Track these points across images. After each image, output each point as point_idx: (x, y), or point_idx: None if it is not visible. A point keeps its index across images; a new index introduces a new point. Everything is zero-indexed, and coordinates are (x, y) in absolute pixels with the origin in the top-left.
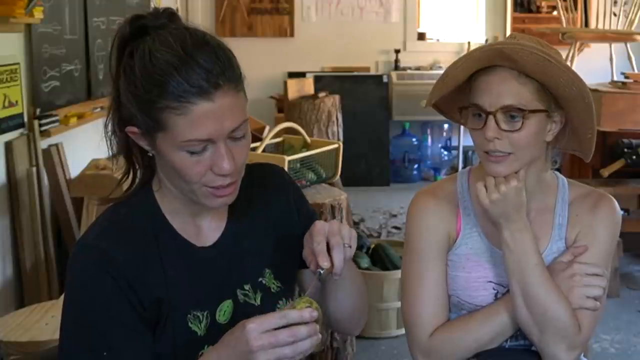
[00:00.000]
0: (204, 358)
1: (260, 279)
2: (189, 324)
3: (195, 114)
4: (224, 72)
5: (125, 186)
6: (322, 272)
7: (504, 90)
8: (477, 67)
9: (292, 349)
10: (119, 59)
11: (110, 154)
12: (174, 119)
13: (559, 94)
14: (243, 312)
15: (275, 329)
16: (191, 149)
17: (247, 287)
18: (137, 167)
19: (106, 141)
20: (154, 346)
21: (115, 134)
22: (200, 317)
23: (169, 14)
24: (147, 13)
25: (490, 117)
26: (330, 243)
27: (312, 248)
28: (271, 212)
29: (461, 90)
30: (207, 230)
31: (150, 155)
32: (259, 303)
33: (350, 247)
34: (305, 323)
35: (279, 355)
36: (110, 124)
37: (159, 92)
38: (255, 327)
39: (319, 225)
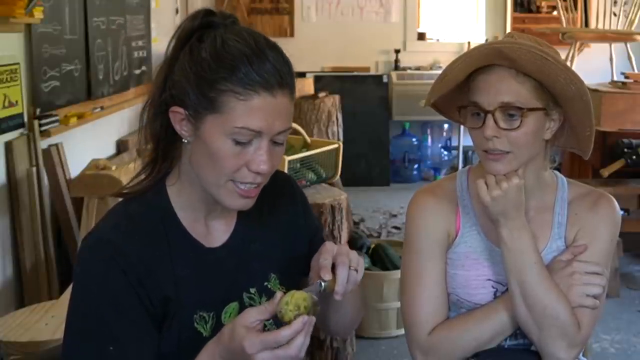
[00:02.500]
0: (208, 355)
1: (266, 284)
2: (195, 324)
3: (255, 103)
4: (289, 76)
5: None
6: (322, 284)
7: (502, 89)
8: (475, 66)
9: (294, 358)
10: (183, 44)
11: (137, 149)
12: (234, 103)
13: (557, 92)
14: None
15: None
16: (238, 138)
17: (253, 290)
18: (159, 159)
19: (140, 129)
20: (158, 344)
21: (150, 120)
22: (207, 317)
23: (236, 18)
24: (217, 11)
25: (489, 115)
26: (336, 261)
27: (317, 264)
28: (280, 219)
29: (460, 89)
30: (216, 231)
31: (186, 141)
32: None
33: (356, 271)
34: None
35: None
36: (147, 110)
37: (227, 75)
38: (256, 352)
39: (329, 245)
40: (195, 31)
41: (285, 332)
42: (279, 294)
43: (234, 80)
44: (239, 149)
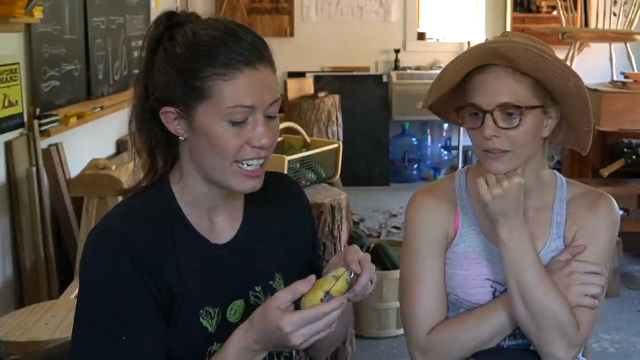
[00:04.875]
0: (240, 341)
1: (271, 283)
2: (201, 319)
3: (241, 80)
4: (265, 49)
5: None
6: (354, 273)
7: (500, 88)
8: (472, 66)
9: (327, 332)
10: (155, 52)
11: (134, 152)
12: (221, 86)
13: (554, 89)
14: None
15: None
16: (234, 119)
17: (258, 289)
18: (159, 163)
19: (130, 139)
20: (167, 335)
21: (138, 130)
22: (212, 313)
23: (197, 15)
24: (177, 12)
25: (488, 115)
26: (362, 265)
27: (343, 259)
28: (286, 220)
29: (457, 91)
30: (222, 229)
31: (183, 139)
32: None
33: (371, 282)
34: None
35: (316, 338)
36: (134, 121)
37: (207, 61)
38: (294, 329)
39: (355, 248)
40: (163, 35)
41: (326, 309)
42: (313, 277)
43: (215, 64)
44: (237, 129)
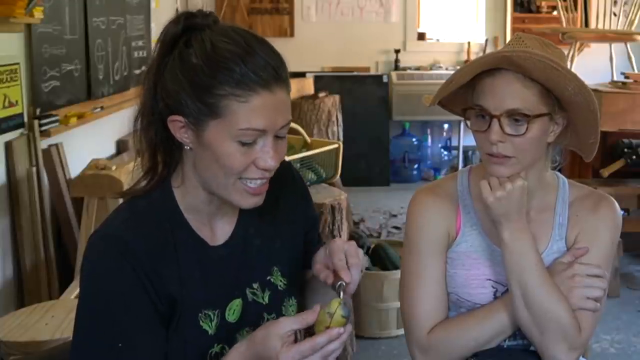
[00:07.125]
0: (238, 357)
1: (268, 277)
2: (200, 322)
3: (256, 103)
4: (282, 68)
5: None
6: (344, 285)
7: (509, 93)
8: (482, 69)
9: None
10: (168, 51)
11: (138, 149)
12: (235, 106)
13: (564, 99)
14: (252, 311)
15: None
16: (244, 140)
17: (255, 285)
18: (159, 164)
19: (134, 137)
20: (166, 341)
21: (144, 129)
22: (211, 315)
23: (215, 17)
24: (196, 12)
25: (495, 120)
26: (350, 262)
27: (331, 264)
28: (280, 209)
29: (465, 89)
30: (220, 230)
31: (188, 148)
32: (267, 302)
33: (362, 271)
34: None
35: None
36: (140, 119)
37: (223, 79)
38: (289, 357)
39: (339, 243)
40: (180, 36)
41: (321, 339)
42: (317, 307)
43: (231, 83)
44: (245, 149)
